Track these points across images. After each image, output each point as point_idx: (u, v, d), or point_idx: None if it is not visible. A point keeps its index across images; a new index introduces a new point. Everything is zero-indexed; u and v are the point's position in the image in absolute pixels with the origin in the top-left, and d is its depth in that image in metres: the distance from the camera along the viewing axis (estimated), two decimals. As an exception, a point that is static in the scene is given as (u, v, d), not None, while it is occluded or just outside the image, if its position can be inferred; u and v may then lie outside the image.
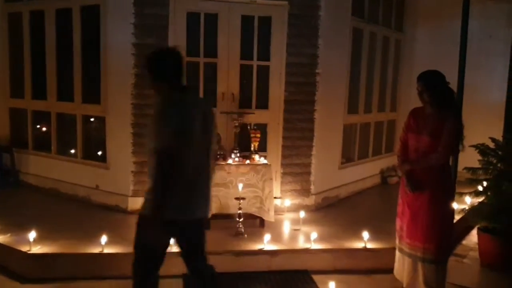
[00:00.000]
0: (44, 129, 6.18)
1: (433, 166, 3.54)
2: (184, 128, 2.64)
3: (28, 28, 5.99)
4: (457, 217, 5.07)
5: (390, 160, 7.40)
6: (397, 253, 3.83)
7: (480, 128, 5.31)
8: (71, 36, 5.52)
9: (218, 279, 3.11)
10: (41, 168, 5.99)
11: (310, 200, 5.54)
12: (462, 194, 4.72)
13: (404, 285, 3.78)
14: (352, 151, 6.53)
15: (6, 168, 6.16)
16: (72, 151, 5.77)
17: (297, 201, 5.48)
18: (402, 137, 3.79)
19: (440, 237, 3.57)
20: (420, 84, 3.58)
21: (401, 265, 3.81)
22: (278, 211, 5.32)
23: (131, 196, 5.12)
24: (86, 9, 5.42)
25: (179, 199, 2.71)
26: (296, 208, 5.24)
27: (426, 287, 3.60)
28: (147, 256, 2.91)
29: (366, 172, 6.75)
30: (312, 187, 5.54)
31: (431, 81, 3.56)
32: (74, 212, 5.12)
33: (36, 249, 3.95)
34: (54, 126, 5.88)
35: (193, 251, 3.05)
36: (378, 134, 7.18)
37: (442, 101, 3.53)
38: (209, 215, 3.06)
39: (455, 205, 4.77)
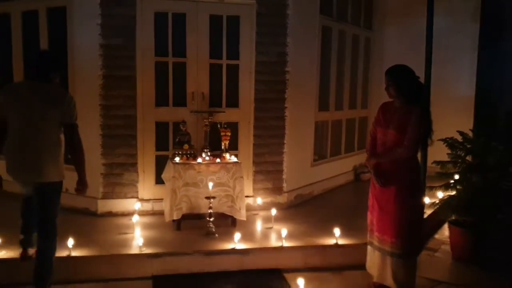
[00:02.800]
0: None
1: (400, 159, 3.56)
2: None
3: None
4: (428, 211, 5.17)
5: (362, 157, 7.34)
6: (369, 247, 3.87)
7: (450, 122, 5.40)
8: (38, 39, 5.41)
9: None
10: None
11: (282, 198, 5.54)
12: (432, 188, 4.76)
13: (375, 279, 3.81)
14: (324, 148, 6.57)
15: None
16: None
17: (270, 199, 5.48)
18: (371, 131, 3.84)
19: (408, 231, 3.58)
20: (387, 79, 3.62)
21: (372, 259, 3.84)
22: (251, 209, 5.31)
23: (101, 199, 5.06)
24: (53, 11, 5.32)
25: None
26: (269, 207, 5.23)
27: (394, 281, 3.62)
28: None
29: (339, 169, 6.79)
30: (284, 185, 5.55)
31: (397, 75, 3.60)
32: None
33: (1, 254, 3.85)
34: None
35: None
36: (350, 131, 7.24)
37: (409, 95, 3.56)
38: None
39: (426, 200, 4.89)
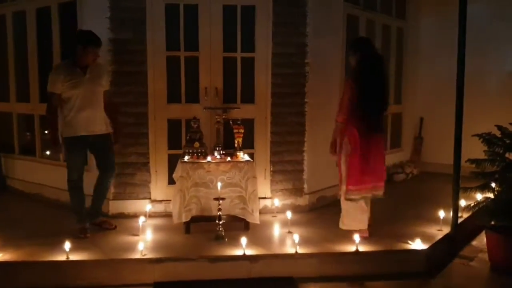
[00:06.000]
0: (28, 133, 6.00)
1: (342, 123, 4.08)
2: None
3: (12, 30, 5.82)
4: (465, 215, 4.68)
5: (396, 156, 6.99)
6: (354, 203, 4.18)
7: (492, 117, 4.83)
8: (51, 36, 5.31)
9: None
10: (26, 172, 5.82)
11: (303, 200, 5.17)
12: (467, 189, 4.27)
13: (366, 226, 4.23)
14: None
15: (-6, 174, 6.01)
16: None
17: (289, 201, 5.12)
18: None
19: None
20: (347, 50, 4.34)
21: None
22: (268, 212, 5.00)
23: (112, 200, 4.86)
24: (64, 6, 5.20)
25: None
26: (288, 209, 4.86)
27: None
28: None
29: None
30: (305, 186, 5.17)
31: (352, 46, 4.19)
32: (52, 218, 4.86)
33: (-1, 257, 3.70)
34: (38, 129, 5.68)
35: None
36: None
37: (356, 65, 4.06)
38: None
39: (462, 202, 4.58)
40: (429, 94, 7.19)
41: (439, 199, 5.25)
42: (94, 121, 4.20)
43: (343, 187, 4.19)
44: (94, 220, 4.45)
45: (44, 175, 5.57)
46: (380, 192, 4.30)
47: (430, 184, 6.52)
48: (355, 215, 4.22)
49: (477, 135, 4.12)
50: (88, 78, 4.15)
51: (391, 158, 6.91)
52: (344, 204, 4.25)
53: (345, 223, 4.27)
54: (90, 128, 4.19)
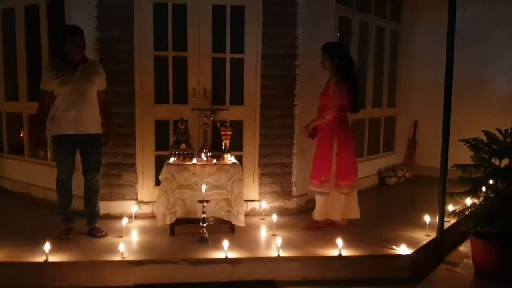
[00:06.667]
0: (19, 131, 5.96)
1: (331, 120, 4.36)
2: None
3: (0, 28, 5.78)
4: (452, 221, 4.64)
5: (388, 160, 6.94)
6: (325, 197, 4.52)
7: (486, 123, 4.75)
8: (39, 34, 5.28)
9: None
10: (15, 172, 5.78)
11: (292, 203, 5.13)
12: (453, 194, 4.23)
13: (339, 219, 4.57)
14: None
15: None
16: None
17: (278, 204, 5.08)
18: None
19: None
20: (322, 54, 4.37)
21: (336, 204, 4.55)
22: (256, 215, 4.97)
23: (101, 200, 4.79)
24: (52, 4, 5.16)
25: None
26: (276, 212, 4.83)
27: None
28: None
29: (360, 172, 6.15)
30: (294, 189, 5.13)
31: (330, 51, 4.37)
32: (38, 218, 4.83)
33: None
34: (26, 128, 5.65)
35: None
36: (374, 131, 6.71)
37: (339, 68, 4.31)
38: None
39: (450, 207, 4.57)
40: (424, 98, 7.12)
41: (429, 203, 5.18)
42: (83, 120, 4.11)
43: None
44: (88, 226, 4.33)
45: (33, 174, 5.53)
46: (344, 191, 4.50)
47: (422, 188, 6.46)
48: (321, 207, 4.57)
49: (464, 140, 4.07)
50: (78, 76, 4.07)
51: (384, 161, 6.88)
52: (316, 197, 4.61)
53: (314, 214, 4.62)
54: (79, 127, 4.11)
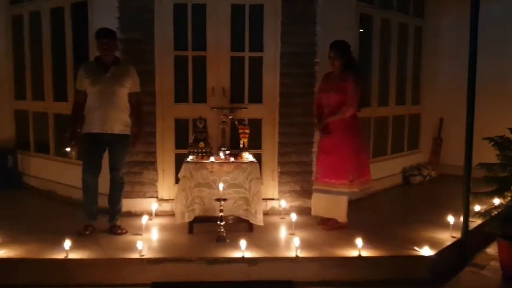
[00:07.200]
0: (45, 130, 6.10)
1: (346, 119, 4.36)
2: None
3: (28, 30, 5.93)
4: (478, 221, 4.50)
5: (412, 158, 6.80)
6: (315, 194, 4.60)
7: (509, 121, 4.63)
8: (64, 36, 5.39)
9: None
10: (40, 170, 5.91)
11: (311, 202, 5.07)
12: (478, 194, 4.10)
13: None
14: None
15: (11, 170, 6.14)
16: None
17: (298, 203, 5.04)
18: (316, 99, 4.66)
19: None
20: (334, 51, 4.34)
21: (318, 202, 4.57)
22: (275, 214, 4.94)
23: (123, 198, 4.86)
24: (77, 7, 5.26)
25: None
26: (296, 211, 4.79)
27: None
28: None
29: (383, 171, 6.18)
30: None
31: (342, 49, 4.34)
32: (61, 215, 4.91)
33: (1, 254, 3.73)
34: (52, 127, 5.77)
35: None
36: (399, 129, 6.59)
37: (348, 65, 4.34)
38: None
39: (476, 207, 4.42)
40: (449, 94, 6.93)
41: (454, 203, 5.03)
42: (108, 119, 4.16)
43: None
44: (110, 223, 4.40)
45: (57, 172, 5.65)
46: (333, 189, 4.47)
47: (447, 188, 6.29)
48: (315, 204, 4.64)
49: (488, 138, 3.95)
50: (108, 77, 4.15)
51: (408, 159, 6.76)
52: None
53: (341, 216, 4.54)
54: (103, 126, 4.17)
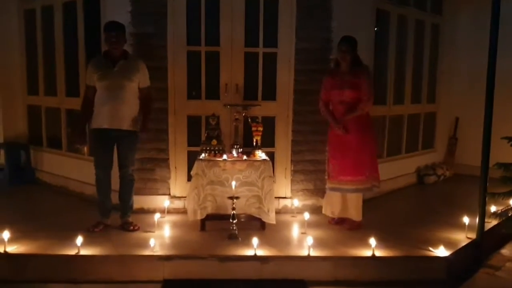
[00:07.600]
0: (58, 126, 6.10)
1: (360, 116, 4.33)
2: None
3: (40, 24, 5.92)
4: (494, 222, 4.41)
5: (427, 157, 6.70)
6: (328, 192, 4.55)
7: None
8: (77, 30, 5.38)
9: None
10: (53, 165, 5.92)
11: (325, 201, 5.01)
12: (495, 194, 4.02)
13: (335, 216, 4.56)
14: (380, 147, 5.89)
15: (24, 166, 6.16)
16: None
17: (311, 201, 4.99)
18: (323, 96, 4.46)
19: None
20: (346, 46, 4.27)
21: (331, 201, 4.53)
22: (288, 212, 4.89)
23: (135, 195, 4.84)
24: (89, 0, 5.23)
25: None
26: (309, 210, 4.74)
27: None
28: None
29: (398, 170, 6.09)
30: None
31: (354, 45, 4.29)
32: (73, 211, 4.90)
33: (12, 249, 3.73)
34: (64, 123, 5.77)
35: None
36: (414, 128, 6.49)
37: (357, 61, 4.32)
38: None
39: (493, 208, 4.38)
40: (466, 93, 6.83)
41: (470, 203, 4.94)
42: (116, 115, 4.12)
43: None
44: (121, 220, 4.38)
45: (70, 168, 5.65)
46: (349, 186, 4.40)
47: (462, 188, 6.19)
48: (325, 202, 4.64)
49: (507, 137, 3.86)
50: (116, 71, 4.11)
51: (423, 159, 6.66)
52: None
53: (357, 215, 4.48)
54: (112, 122, 4.13)
